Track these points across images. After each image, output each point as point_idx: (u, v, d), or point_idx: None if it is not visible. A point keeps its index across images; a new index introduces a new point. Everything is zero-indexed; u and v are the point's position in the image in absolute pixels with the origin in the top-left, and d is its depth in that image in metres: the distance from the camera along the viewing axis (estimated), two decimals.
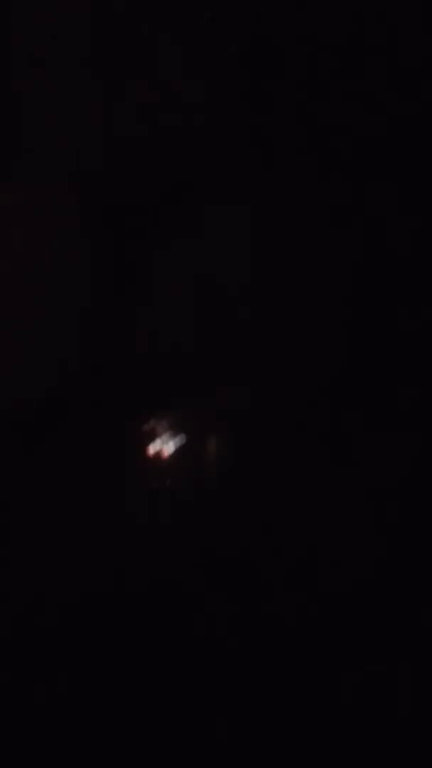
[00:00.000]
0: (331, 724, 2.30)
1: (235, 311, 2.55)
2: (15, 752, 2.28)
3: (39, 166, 2.54)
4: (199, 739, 2.30)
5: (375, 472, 2.46)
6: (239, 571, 2.42)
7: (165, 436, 2.52)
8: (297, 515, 2.45)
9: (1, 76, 2.52)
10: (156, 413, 2.54)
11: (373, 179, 2.52)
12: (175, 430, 2.53)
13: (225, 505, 2.48)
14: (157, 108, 2.54)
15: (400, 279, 2.54)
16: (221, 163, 2.55)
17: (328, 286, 2.55)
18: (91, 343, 2.55)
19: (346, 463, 2.47)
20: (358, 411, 2.50)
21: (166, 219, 2.56)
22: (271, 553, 2.43)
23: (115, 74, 2.55)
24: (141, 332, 2.56)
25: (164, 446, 2.52)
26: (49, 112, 2.54)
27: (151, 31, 2.54)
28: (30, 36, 2.53)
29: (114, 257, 2.56)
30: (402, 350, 2.53)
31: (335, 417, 2.50)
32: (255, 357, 2.54)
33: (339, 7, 2.52)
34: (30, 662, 2.34)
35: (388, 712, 2.30)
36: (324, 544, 2.43)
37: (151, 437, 2.53)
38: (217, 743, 2.29)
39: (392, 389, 2.50)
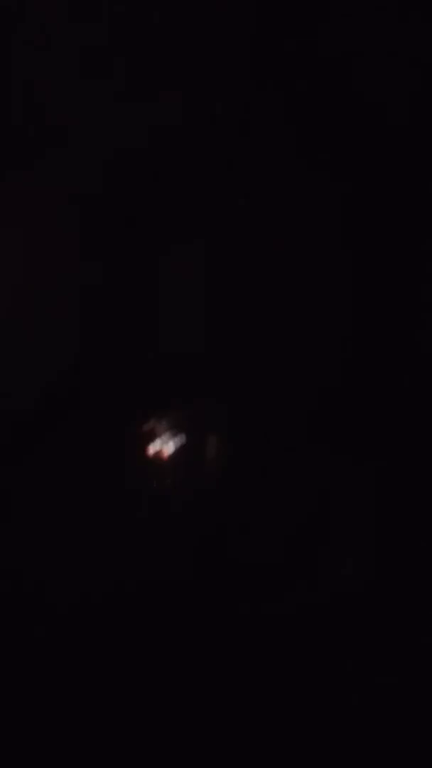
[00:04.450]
0: (331, 725, 2.31)
1: (235, 311, 2.55)
2: (15, 752, 2.28)
3: (40, 166, 2.54)
4: (198, 739, 2.30)
5: (375, 473, 2.47)
6: (239, 571, 2.42)
7: (165, 436, 2.52)
8: (297, 515, 2.45)
9: (2, 77, 2.53)
10: (156, 413, 2.54)
11: (375, 185, 2.53)
12: (175, 430, 2.53)
13: (225, 506, 2.48)
14: (157, 110, 2.54)
15: (402, 281, 2.54)
16: (223, 165, 2.56)
17: (330, 288, 2.55)
18: (91, 343, 2.55)
19: (347, 463, 2.47)
20: (359, 411, 2.50)
21: (167, 221, 2.56)
22: (271, 554, 2.43)
23: (114, 77, 2.55)
24: (141, 332, 2.56)
25: (164, 446, 2.52)
26: (47, 113, 2.54)
27: (151, 32, 2.54)
28: (27, 34, 2.53)
29: (114, 258, 2.56)
30: (403, 349, 2.53)
31: (336, 417, 2.50)
32: (256, 357, 2.54)
33: (339, 7, 2.53)
34: (29, 663, 2.34)
35: (388, 713, 2.30)
36: (324, 544, 2.43)
37: (151, 437, 2.53)
38: (217, 743, 2.30)
39: (393, 390, 2.51)
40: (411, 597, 2.39)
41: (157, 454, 2.52)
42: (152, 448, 2.52)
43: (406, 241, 2.54)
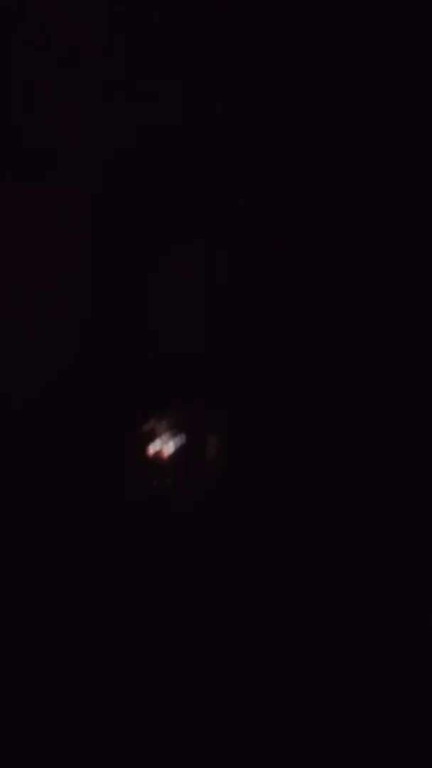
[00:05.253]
0: (331, 725, 2.31)
1: (236, 312, 2.55)
2: (15, 752, 2.28)
3: (40, 166, 2.54)
4: (199, 738, 2.30)
5: (375, 472, 2.47)
6: (239, 570, 2.42)
7: (165, 436, 2.52)
8: (297, 515, 2.45)
9: (2, 77, 2.53)
10: (156, 413, 2.54)
11: (375, 184, 2.53)
12: (175, 430, 2.53)
13: (225, 505, 2.48)
14: (157, 110, 2.54)
15: (403, 281, 2.54)
16: (223, 165, 2.56)
17: (330, 288, 2.55)
18: (91, 343, 2.55)
19: (347, 463, 2.47)
20: (359, 411, 2.50)
21: (167, 221, 2.56)
22: (270, 553, 2.43)
23: (114, 77, 2.55)
24: (141, 333, 2.56)
25: (164, 446, 2.52)
26: (47, 113, 2.54)
27: (151, 32, 2.54)
28: (27, 34, 2.53)
29: (115, 259, 2.56)
30: (403, 349, 2.53)
31: (336, 417, 2.50)
32: (256, 357, 2.54)
33: (339, 8, 2.53)
34: (31, 663, 2.34)
35: (388, 713, 2.30)
36: (323, 544, 2.43)
37: (151, 437, 2.53)
38: (217, 743, 2.30)
39: (393, 390, 2.51)
40: (411, 597, 2.39)
41: (157, 454, 2.52)
42: (152, 448, 2.52)
43: (406, 241, 2.54)
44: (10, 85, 2.52)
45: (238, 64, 2.55)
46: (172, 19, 2.53)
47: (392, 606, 2.37)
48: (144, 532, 2.46)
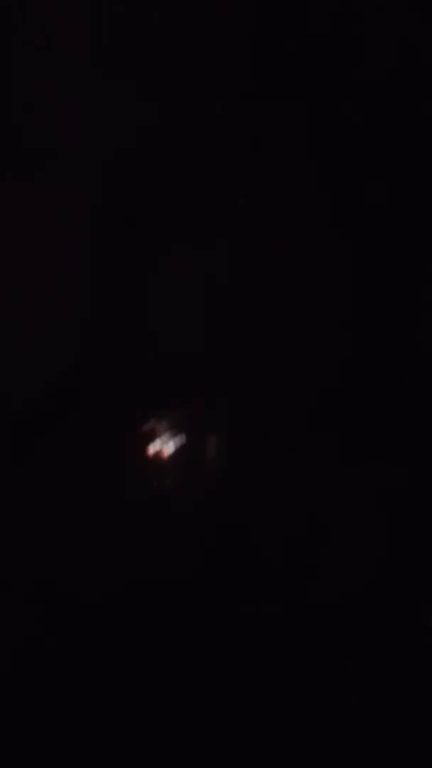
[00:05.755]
0: (331, 725, 2.31)
1: (236, 312, 2.55)
2: (15, 752, 2.28)
3: (40, 166, 2.54)
4: (199, 738, 2.30)
5: (375, 473, 2.47)
6: (239, 570, 2.42)
7: (165, 436, 2.52)
8: (297, 515, 2.45)
9: (2, 77, 2.53)
10: (156, 413, 2.54)
11: (375, 184, 2.53)
12: (175, 430, 2.53)
13: (225, 505, 2.48)
14: (158, 110, 2.54)
15: (403, 281, 2.54)
16: (223, 165, 2.56)
17: (330, 288, 2.55)
18: (91, 343, 2.55)
19: (347, 463, 2.47)
20: (359, 411, 2.50)
21: (167, 221, 2.56)
22: (270, 553, 2.43)
23: (114, 77, 2.55)
24: (141, 333, 2.56)
25: (164, 446, 2.52)
26: (47, 113, 2.54)
27: (151, 32, 2.54)
28: (27, 34, 2.53)
29: (115, 259, 2.56)
30: (403, 349, 2.53)
31: (336, 417, 2.50)
32: (255, 357, 2.54)
33: (339, 8, 2.53)
34: (31, 663, 2.34)
35: (388, 713, 2.30)
36: (323, 544, 2.43)
37: (151, 437, 2.53)
38: (217, 743, 2.30)
39: (393, 390, 2.51)
40: (411, 597, 2.39)
41: (157, 454, 2.52)
42: (152, 448, 2.52)
43: (406, 241, 2.54)
44: (10, 85, 2.52)
45: (238, 64, 2.55)
46: (172, 19, 2.53)
47: (392, 606, 2.37)
48: (144, 532, 2.46)
